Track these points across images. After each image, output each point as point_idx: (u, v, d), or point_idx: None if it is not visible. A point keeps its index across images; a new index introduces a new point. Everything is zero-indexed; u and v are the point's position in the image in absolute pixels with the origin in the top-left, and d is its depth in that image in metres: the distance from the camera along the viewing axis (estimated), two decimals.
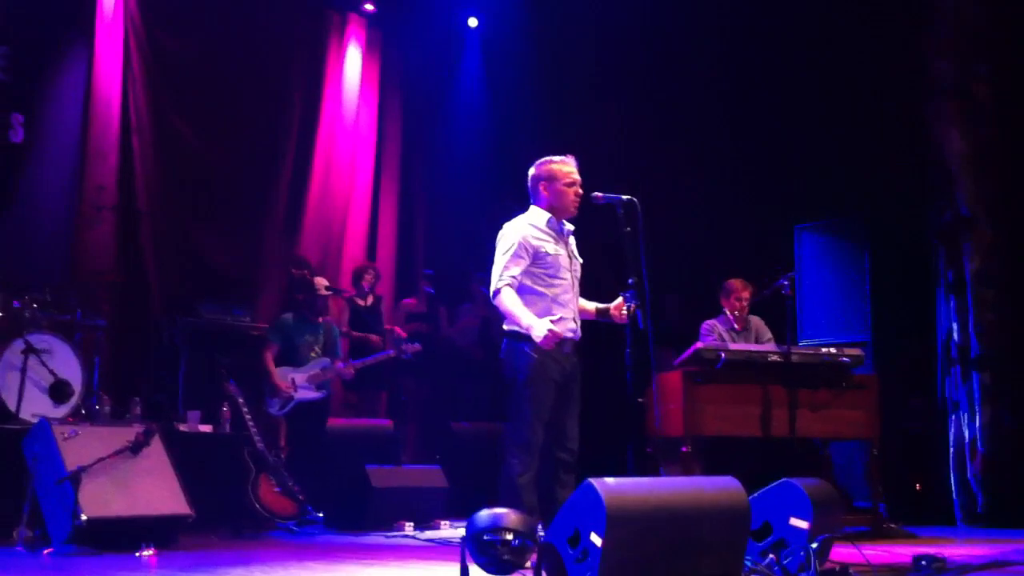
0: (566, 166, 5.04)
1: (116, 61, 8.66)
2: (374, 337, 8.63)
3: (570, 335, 4.92)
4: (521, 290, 4.89)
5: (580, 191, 5.03)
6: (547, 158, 5.08)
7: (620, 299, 4.95)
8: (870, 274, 8.16)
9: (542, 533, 4.14)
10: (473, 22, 11.24)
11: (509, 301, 4.83)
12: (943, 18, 7.89)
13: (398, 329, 9.21)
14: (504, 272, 4.89)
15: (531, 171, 5.10)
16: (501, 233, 5.00)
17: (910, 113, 8.10)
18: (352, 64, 10.50)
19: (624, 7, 9.75)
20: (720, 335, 7.16)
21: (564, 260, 4.96)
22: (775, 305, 6.71)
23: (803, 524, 4.19)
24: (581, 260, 5.14)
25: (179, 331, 8.02)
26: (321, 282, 8.05)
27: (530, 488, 4.77)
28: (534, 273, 4.90)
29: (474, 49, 11.43)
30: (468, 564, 3.88)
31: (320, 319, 7.93)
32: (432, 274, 9.84)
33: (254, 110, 9.52)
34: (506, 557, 3.80)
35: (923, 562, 4.41)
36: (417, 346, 7.97)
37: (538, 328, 4.73)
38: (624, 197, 4.90)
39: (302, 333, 7.77)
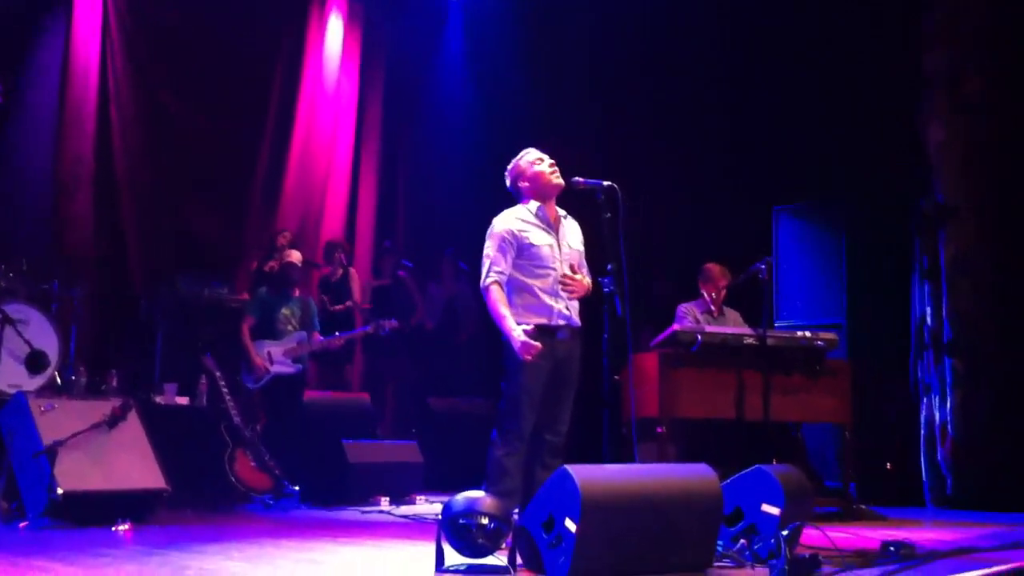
0: (529, 154, 5.06)
1: (94, 29, 8.60)
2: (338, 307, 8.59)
3: (562, 322, 4.92)
4: (510, 282, 4.90)
5: (553, 163, 5.03)
6: (511, 162, 5.11)
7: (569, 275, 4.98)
8: (846, 258, 8.24)
9: (517, 516, 4.19)
10: None
11: (495, 303, 4.84)
12: (937, 9, 7.91)
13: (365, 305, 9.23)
14: (492, 268, 4.89)
15: (506, 181, 5.12)
16: (489, 228, 5.00)
17: (896, 101, 8.14)
18: (333, 35, 10.42)
19: None
20: (696, 318, 7.19)
21: (551, 250, 4.95)
22: (751, 288, 6.75)
23: (774, 511, 4.24)
24: (580, 248, 5.10)
25: (157, 303, 8.01)
26: (296, 255, 8.00)
27: (516, 471, 4.79)
28: (520, 264, 4.91)
29: (457, 21, 11.38)
30: (443, 547, 3.92)
31: (296, 292, 7.90)
32: (390, 246, 9.81)
33: (235, 80, 9.46)
34: (481, 541, 3.84)
35: (891, 548, 4.46)
36: (394, 322, 7.95)
37: (515, 339, 4.74)
38: (605, 183, 4.90)
39: (279, 306, 7.73)
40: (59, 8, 8.47)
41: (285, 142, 9.89)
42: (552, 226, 5.00)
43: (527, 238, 4.91)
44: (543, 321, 4.87)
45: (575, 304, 5.01)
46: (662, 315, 7.36)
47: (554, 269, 4.93)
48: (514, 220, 4.96)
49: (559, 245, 4.98)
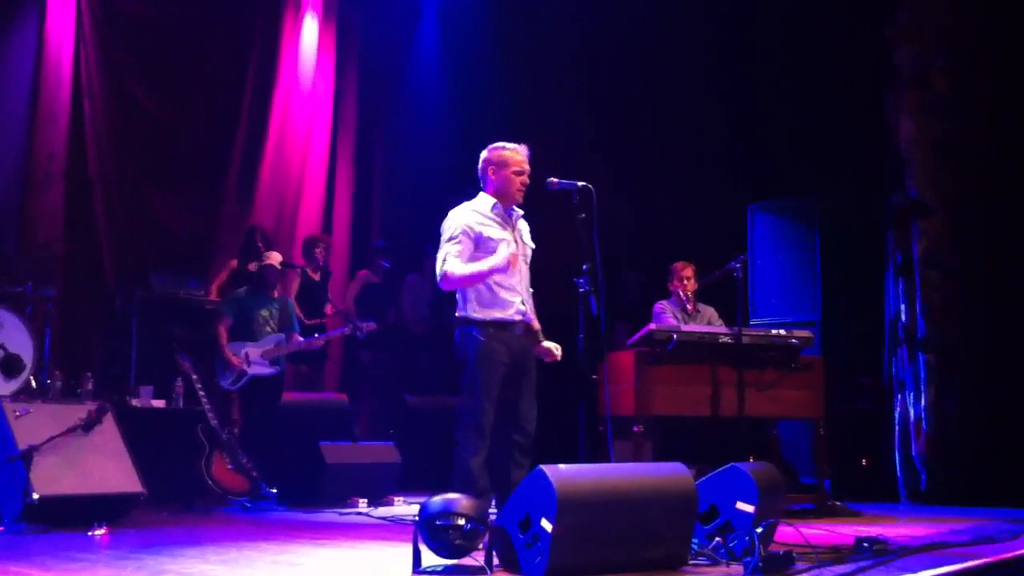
0: (517, 154, 5.06)
1: (68, 23, 8.51)
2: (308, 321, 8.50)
3: (518, 317, 4.96)
4: None
5: (527, 180, 5.05)
6: (500, 144, 5.09)
7: (552, 346, 5.07)
8: (820, 255, 8.31)
9: (494, 515, 4.20)
10: None
11: (458, 268, 4.87)
12: (907, 7, 7.97)
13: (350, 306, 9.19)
14: (448, 258, 4.92)
15: (483, 154, 5.12)
16: (445, 221, 5.03)
17: (868, 99, 8.20)
18: (308, 30, 10.35)
19: None
20: (673, 315, 7.24)
21: (508, 245, 4.97)
22: (727, 286, 6.79)
23: (749, 508, 4.28)
24: (533, 246, 5.16)
25: (131, 303, 7.95)
26: (275, 256, 7.94)
27: (482, 470, 4.82)
28: (477, 258, 4.94)
29: (432, 17, 11.34)
30: (420, 548, 3.93)
31: (275, 294, 7.86)
32: (383, 245, 9.79)
33: (209, 75, 9.40)
34: (458, 542, 3.85)
35: (865, 544, 4.51)
36: (372, 324, 7.90)
37: (498, 261, 4.76)
38: (579, 184, 4.93)
39: (256, 307, 7.66)
40: (31, 1, 8.39)
41: (260, 138, 9.81)
42: (509, 223, 5.05)
43: (484, 232, 4.94)
44: (501, 315, 4.90)
45: (530, 302, 5.05)
46: (638, 314, 7.39)
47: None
48: (471, 214, 5.01)
49: (516, 241, 5.02)
